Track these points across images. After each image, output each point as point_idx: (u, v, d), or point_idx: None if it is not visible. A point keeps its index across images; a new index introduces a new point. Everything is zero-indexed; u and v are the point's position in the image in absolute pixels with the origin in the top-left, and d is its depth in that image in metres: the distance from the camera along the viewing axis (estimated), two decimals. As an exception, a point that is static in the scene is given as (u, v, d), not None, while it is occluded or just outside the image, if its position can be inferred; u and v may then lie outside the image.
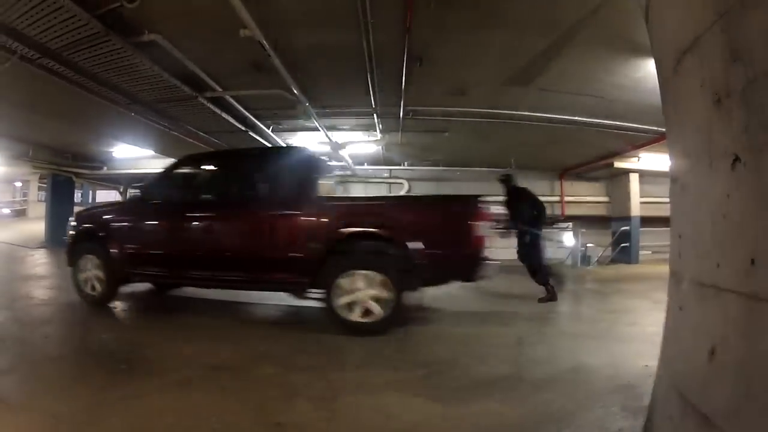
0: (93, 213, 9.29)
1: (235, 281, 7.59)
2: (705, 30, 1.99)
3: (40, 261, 15.47)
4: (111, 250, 8.04)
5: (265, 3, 6.58)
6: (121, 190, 25.68)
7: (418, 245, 6.70)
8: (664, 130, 2.81)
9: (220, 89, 9.96)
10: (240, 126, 12.34)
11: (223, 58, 8.57)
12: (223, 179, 8.31)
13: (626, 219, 18.82)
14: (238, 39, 7.20)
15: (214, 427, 3.78)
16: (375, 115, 11.72)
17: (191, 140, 13.81)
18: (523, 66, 8.70)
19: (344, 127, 13.41)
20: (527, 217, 9.31)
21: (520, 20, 7.08)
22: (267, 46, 7.51)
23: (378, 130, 13.24)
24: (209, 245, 7.57)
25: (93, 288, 8.18)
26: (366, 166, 18.96)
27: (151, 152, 18.10)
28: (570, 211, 20.31)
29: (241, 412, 4.06)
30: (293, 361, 5.49)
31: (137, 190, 9.14)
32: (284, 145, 13.59)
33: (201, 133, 13.55)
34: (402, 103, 10.65)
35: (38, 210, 28.08)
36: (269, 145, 13.21)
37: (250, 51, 7.87)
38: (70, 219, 9.15)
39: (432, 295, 8.14)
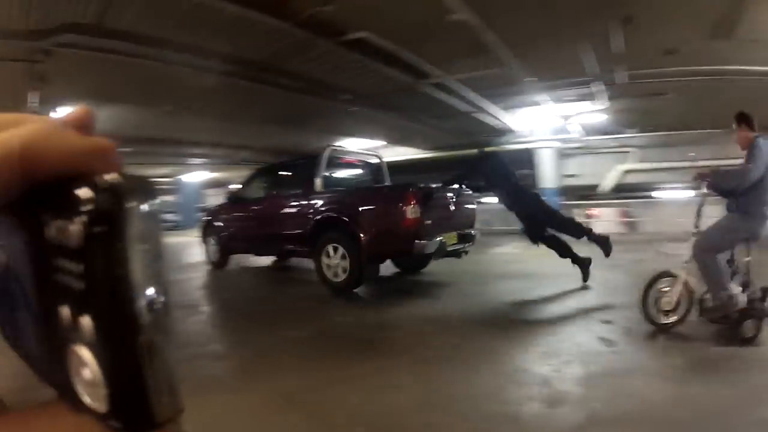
0: (210, 209, 13.93)
1: (272, 250, 10.98)
2: None
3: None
4: (220, 233, 11.76)
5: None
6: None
7: (362, 226, 8.41)
8: None
9: (440, 74, 9.88)
10: (468, 108, 12.32)
11: (438, 44, 8.45)
12: (265, 184, 11.17)
13: None
14: (449, 23, 7.12)
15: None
16: (595, 82, 11.12)
17: (419, 127, 14.01)
18: (719, 17, 7.81)
19: (569, 98, 12.87)
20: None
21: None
22: (479, 26, 7.39)
23: (600, 99, 12.54)
24: (260, 228, 10.50)
25: (214, 256, 12.05)
26: (595, 137, 17.90)
27: (381, 143, 18.38)
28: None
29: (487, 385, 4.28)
30: (531, 344, 5.48)
31: (227, 195, 12.74)
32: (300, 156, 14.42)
33: (430, 119, 13.66)
34: (617, 67, 10.02)
35: None
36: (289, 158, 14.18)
37: (464, 33, 7.72)
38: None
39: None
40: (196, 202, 30.19)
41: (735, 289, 5.37)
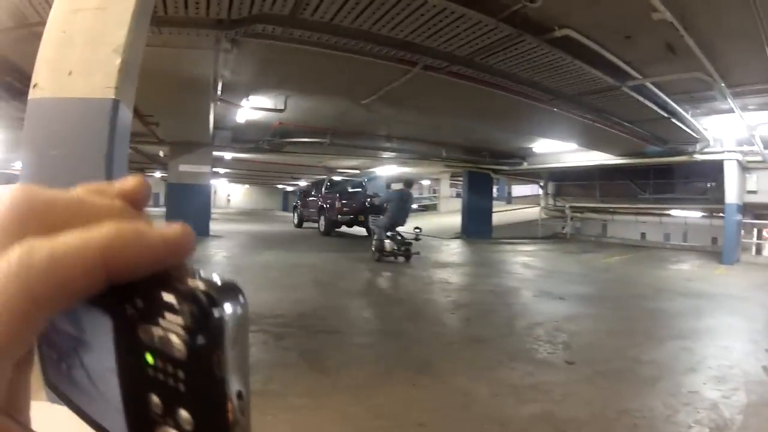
0: (301, 197, 26.97)
1: (312, 219, 23.76)
2: None
3: (456, 250, 18.42)
4: (300, 210, 25.90)
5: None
6: (541, 184, 26.81)
7: (327, 209, 21.21)
8: None
9: (640, 77, 9.48)
10: (662, 113, 11.71)
11: (637, 44, 8.17)
12: (312, 188, 25.07)
13: None
14: (650, 23, 6.90)
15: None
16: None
17: (615, 131, 13.47)
18: None
19: (752, 106, 11.99)
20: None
21: None
22: (678, 26, 7.01)
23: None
24: (309, 209, 24.23)
25: (296, 221, 26.17)
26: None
27: (573, 146, 18.26)
28: None
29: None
30: (705, 366, 5.62)
31: (304, 191, 26.98)
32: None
33: (625, 124, 13.18)
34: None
35: (450, 205, 32.37)
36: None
37: (663, 34, 7.47)
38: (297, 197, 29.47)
39: None
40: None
41: (388, 242, 13.43)
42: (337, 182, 23.73)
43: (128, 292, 0.30)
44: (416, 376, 4.88)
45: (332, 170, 29.85)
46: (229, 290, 0.31)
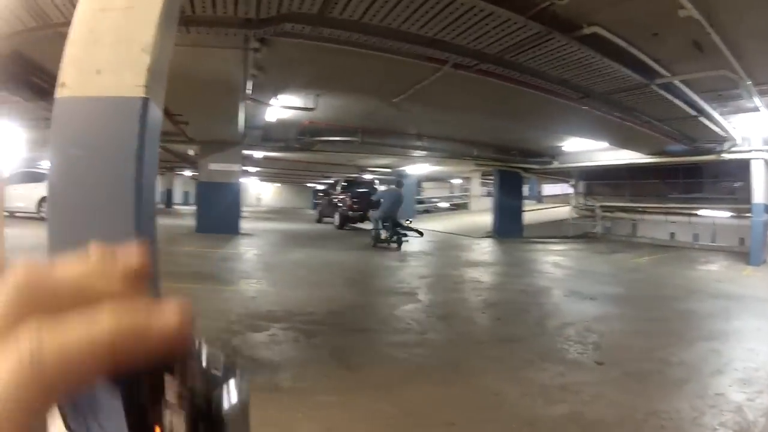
0: (319, 196, 36.01)
1: (330, 216, 27.34)
2: None
3: (487, 249, 18.44)
4: (319, 208, 30.64)
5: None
6: (572, 183, 26.91)
7: (341, 206, 24.86)
8: None
9: (668, 74, 9.36)
10: (690, 111, 11.55)
11: (665, 42, 8.06)
12: (330, 188, 29.12)
13: None
14: (676, 20, 6.81)
15: None
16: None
17: (645, 130, 13.25)
18: None
19: None
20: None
21: None
22: (703, 24, 6.96)
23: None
24: (327, 207, 27.62)
25: (317, 217, 29.74)
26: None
27: (603, 145, 18.05)
28: None
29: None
30: (732, 368, 5.60)
31: (324, 190, 32.75)
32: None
33: (654, 122, 12.96)
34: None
35: (480, 204, 32.11)
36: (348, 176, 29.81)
37: (689, 31, 7.38)
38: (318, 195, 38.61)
39: None
40: (414, 194, 34.53)
41: (383, 232, 16.63)
42: (350, 183, 26.66)
43: (135, 373, 0.32)
44: (446, 375, 4.93)
45: (363, 169, 30.66)
46: (229, 372, 0.33)
